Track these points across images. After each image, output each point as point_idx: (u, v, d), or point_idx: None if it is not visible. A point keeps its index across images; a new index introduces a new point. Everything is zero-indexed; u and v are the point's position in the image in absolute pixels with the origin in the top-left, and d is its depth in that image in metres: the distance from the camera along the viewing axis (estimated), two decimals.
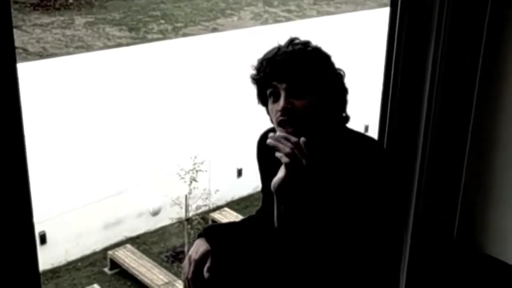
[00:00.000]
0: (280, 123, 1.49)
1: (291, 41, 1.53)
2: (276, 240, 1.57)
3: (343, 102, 1.56)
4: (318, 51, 1.52)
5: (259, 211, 1.73)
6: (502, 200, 2.07)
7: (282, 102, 1.47)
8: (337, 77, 1.54)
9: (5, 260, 1.41)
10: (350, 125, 1.59)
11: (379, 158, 1.53)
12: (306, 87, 1.47)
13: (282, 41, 1.55)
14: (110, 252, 10.66)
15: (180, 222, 11.15)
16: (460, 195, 2.11)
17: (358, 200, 1.47)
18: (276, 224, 1.52)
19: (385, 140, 1.95)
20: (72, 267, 10.54)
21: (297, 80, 1.47)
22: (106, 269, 10.64)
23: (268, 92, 1.51)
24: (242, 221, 1.79)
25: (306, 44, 1.52)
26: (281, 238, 1.53)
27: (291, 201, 1.46)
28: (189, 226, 11.02)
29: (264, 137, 1.64)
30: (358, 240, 1.49)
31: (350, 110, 1.59)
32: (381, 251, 1.53)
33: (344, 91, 1.56)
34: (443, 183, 2.03)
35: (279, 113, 1.48)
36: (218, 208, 11.88)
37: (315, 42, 1.56)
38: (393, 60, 1.86)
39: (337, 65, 1.58)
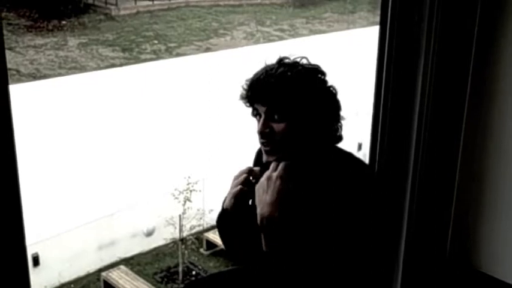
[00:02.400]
0: (261, 144, 1.53)
1: (279, 61, 1.52)
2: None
3: (334, 122, 1.55)
4: (301, 74, 1.50)
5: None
6: (495, 216, 2.07)
7: (260, 125, 1.49)
8: (324, 99, 1.52)
9: None
10: (343, 142, 1.59)
11: (365, 181, 1.53)
12: (285, 111, 1.47)
13: (273, 60, 1.55)
14: (103, 273, 10.56)
15: (174, 242, 11.08)
16: (452, 212, 2.11)
17: (343, 222, 1.46)
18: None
19: (377, 158, 1.95)
20: None
21: (277, 104, 1.48)
22: None
23: (253, 112, 1.54)
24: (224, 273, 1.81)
25: (292, 66, 1.51)
26: (269, 262, 1.52)
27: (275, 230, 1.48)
28: (183, 246, 10.96)
29: (260, 151, 1.65)
30: (344, 261, 1.48)
31: (343, 127, 1.59)
32: (368, 271, 1.53)
33: (335, 110, 1.55)
34: (435, 201, 2.03)
35: (259, 135, 1.51)
36: (212, 228, 11.78)
37: (305, 60, 1.55)
38: (383, 77, 1.87)
39: (329, 83, 1.57)
